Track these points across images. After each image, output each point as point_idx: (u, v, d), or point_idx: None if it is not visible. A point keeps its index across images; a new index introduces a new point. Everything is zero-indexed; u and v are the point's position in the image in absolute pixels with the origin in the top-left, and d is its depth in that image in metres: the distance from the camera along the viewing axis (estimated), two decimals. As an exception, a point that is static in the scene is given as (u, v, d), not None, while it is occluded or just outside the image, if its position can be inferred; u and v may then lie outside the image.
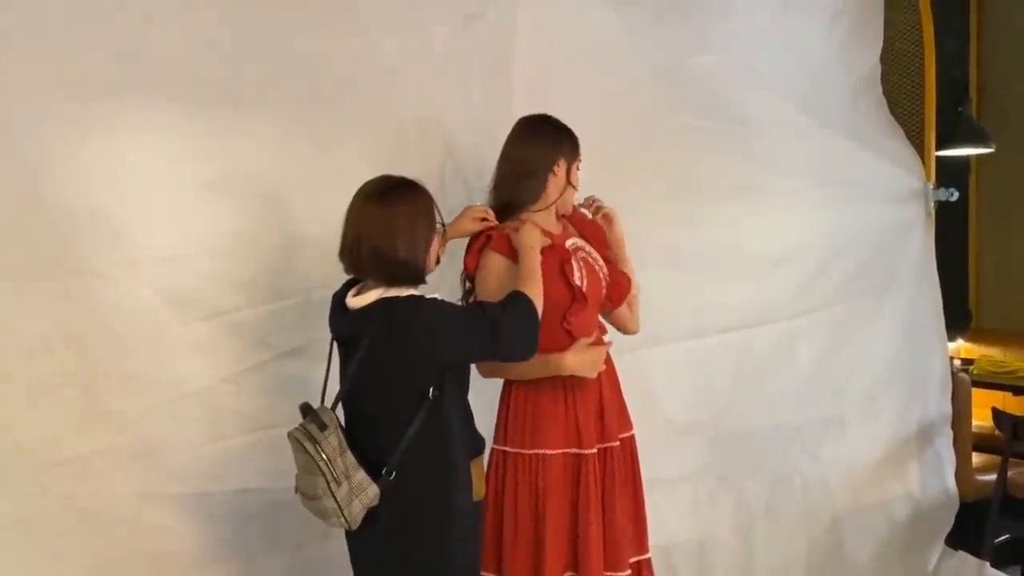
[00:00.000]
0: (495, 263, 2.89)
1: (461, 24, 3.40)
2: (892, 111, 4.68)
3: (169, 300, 2.86)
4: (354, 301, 2.56)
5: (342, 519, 2.46)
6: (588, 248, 3.04)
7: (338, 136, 3.09)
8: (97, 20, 2.78)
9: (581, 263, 2.95)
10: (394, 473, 2.49)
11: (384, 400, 2.53)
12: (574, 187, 2.99)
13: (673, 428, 3.80)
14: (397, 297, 2.53)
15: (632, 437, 3.05)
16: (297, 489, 2.54)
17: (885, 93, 4.69)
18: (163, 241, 2.86)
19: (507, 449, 2.92)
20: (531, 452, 2.88)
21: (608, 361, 2.99)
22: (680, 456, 3.82)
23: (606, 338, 3.03)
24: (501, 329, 2.56)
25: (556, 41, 3.56)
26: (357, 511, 2.47)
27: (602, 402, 2.95)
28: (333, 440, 2.46)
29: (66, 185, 2.73)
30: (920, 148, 4.75)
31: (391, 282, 2.54)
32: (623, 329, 3.18)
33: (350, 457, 2.46)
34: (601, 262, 3.04)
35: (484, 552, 2.89)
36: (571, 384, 2.90)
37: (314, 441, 2.45)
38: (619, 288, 3.06)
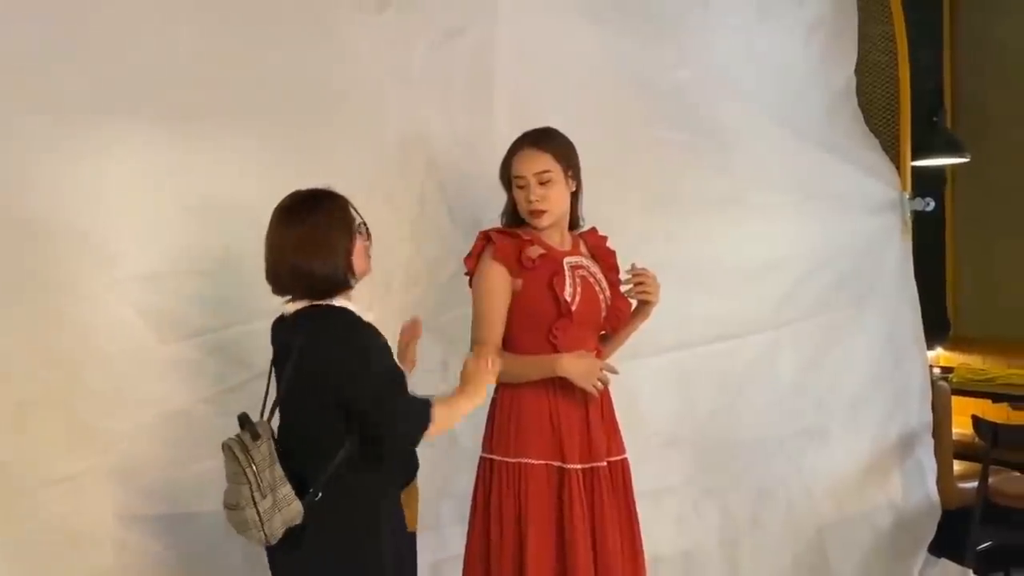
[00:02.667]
0: (492, 273, 2.89)
1: (442, 40, 3.41)
2: (868, 122, 4.71)
3: (151, 319, 2.86)
4: (287, 307, 2.54)
5: (261, 533, 2.37)
6: (593, 269, 3.03)
7: (319, 154, 3.09)
8: (77, 39, 2.79)
9: (578, 280, 2.94)
10: (320, 494, 2.41)
11: (314, 414, 2.45)
12: (519, 203, 2.95)
13: (658, 441, 3.80)
14: (325, 305, 2.49)
15: (624, 461, 3.03)
16: (224, 502, 2.45)
17: (861, 105, 4.73)
18: (144, 260, 2.86)
19: (493, 457, 2.93)
20: (514, 461, 2.89)
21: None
22: (665, 469, 3.82)
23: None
24: (398, 416, 2.47)
25: (536, 57, 3.57)
26: (277, 526, 2.38)
27: (588, 419, 2.94)
28: (264, 450, 2.39)
29: (47, 205, 2.73)
30: (896, 159, 4.78)
31: (316, 296, 2.50)
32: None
33: (279, 470, 2.39)
34: (604, 284, 3.04)
35: (473, 560, 2.91)
36: (555, 396, 2.90)
37: (245, 450, 2.39)
38: (619, 314, 3.06)
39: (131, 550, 2.83)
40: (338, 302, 2.50)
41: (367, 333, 2.47)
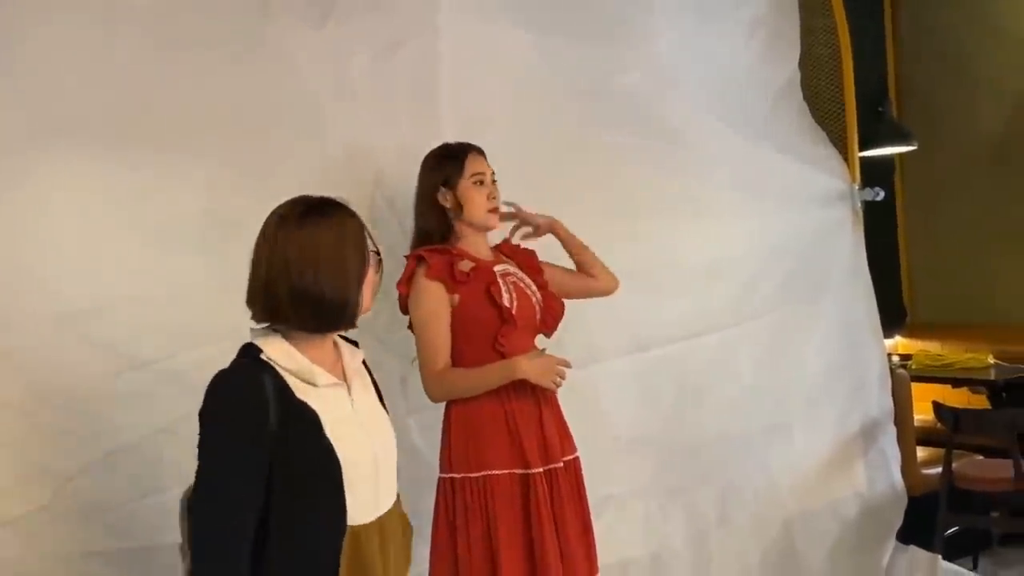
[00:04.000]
0: (430, 292, 2.88)
1: (383, 53, 3.39)
2: (814, 115, 4.74)
3: (98, 351, 2.81)
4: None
5: None
6: (520, 274, 3.06)
7: (262, 172, 3.06)
8: (10, 64, 2.74)
9: (511, 287, 2.97)
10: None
11: None
12: (468, 204, 2.98)
13: (620, 444, 3.79)
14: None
15: (576, 459, 3.05)
16: None
17: (806, 98, 4.75)
18: (89, 291, 2.81)
19: (454, 476, 2.91)
20: (478, 475, 2.88)
21: None
22: (629, 471, 3.81)
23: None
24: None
25: (480, 66, 3.56)
26: None
27: (542, 421, 2.95)
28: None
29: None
30: (844, 150, 4.81)
31: (316, 327, 2.10)
32: (606, 291, 3.22)
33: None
34: (534, 287, 3.06)
35: None
36: (509, 401, 2.90)
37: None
38: (553, 313, 3.09)
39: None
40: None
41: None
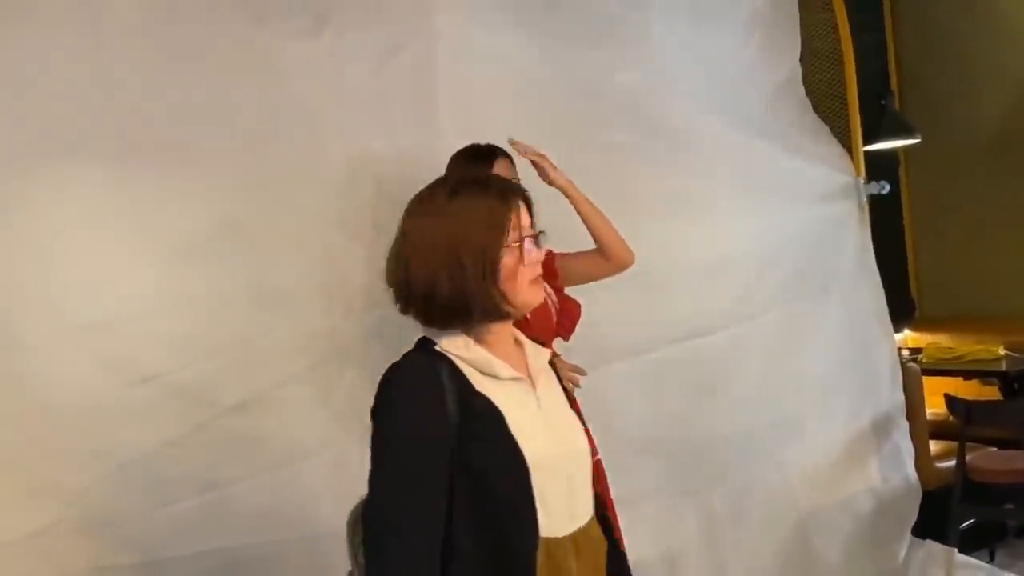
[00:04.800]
0: None
1: (380, 60, 3.38)
2: (816, 110, 4.73)
3: (104, 366, 2.80)
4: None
5: None
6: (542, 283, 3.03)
7: (264, 183, 3.06)
8: (4, 79, 2.72)
9: None
10: None
11: None
12: None
13: (631, 446, 3.77)
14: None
15: (598, 462, 3.03)
16: None
17: (808, 93, 4.74)
18: (93, 306, 2.80)
19: None
20: None
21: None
22: (640, 472, 3.79)
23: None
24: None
25: (478, 69, 3.55)
26: None
27: None
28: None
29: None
30: (847, 145, 4.80)
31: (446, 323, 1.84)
32: (619, 267, 3.12)
33: None
34: (549, 290, 3.03)
35: None
36: None
37: None
38: (570, 316, 3.06)
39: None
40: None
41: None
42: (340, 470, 3.12)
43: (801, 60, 4.66)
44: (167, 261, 2.91)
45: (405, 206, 3.27)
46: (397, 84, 3.38)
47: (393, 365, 1.82)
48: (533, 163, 3.05)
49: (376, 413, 1.79)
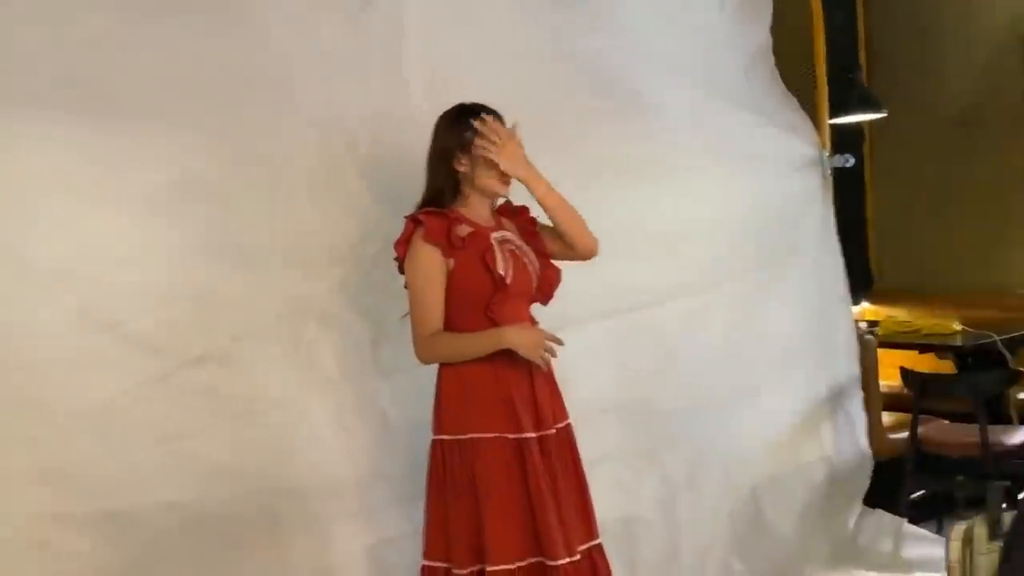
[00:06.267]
0: (426, 255, 2.87)
1: (353, 16, 3.35)
2: (785, 82, 4.74)
3: (66, 314, 2.77)
4: None
5: None
6: (519, 242, 3.04)
7: (234, 140, 3.03)
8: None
9: (508, 255, 2.95)
10: None
11: None
12: (487, 169, 2.94)
13: (593, 408, 3.78)
14: None
15: (569, 426, 3.06)
16: None
17: (777, 64, 4.75)
18: (55, 254, 2.76)
19: (444, 438, 2.92)
20: (466, 437, 2.88)
21: None
22: (601, 436, 3.81)
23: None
24: None
25: (450, 28, 3.53)
26: None
27: (534, 388, 2.95)
28: None
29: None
30: (814, 117, 4.82)
31: None
32: (588, 253, 3.12)
33: None
34: (532, 256, 3.05)
35: (432, 541, 2.91)
36: (503, 369, 2.90)
37: None
38: (549, 282, 3.08)
39: (58, 551, 2.73)
40: None
41: None
42: (300, 425, 3.12)
43: (772, 31, 4.66)
44: (132, 212, 2.87)
45: (376, 165, 3.28)
46: (368, 42, 3.34)
47: None
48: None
49: None
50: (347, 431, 3.20)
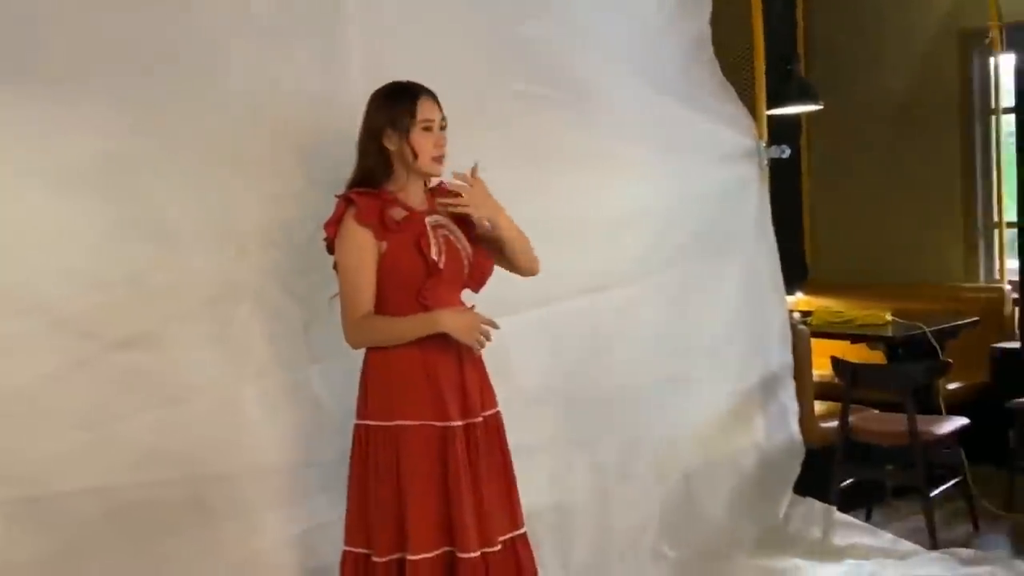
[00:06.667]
0: (358, 237, 2.84)
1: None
2: (724, 72, 4.75)
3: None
4: None
5: None
6: (452, 227, 3.01)
7: (158, 115, 2.95)
8: None
9: (441, 240, 2.92)
10: None
11: None
12: (415, 151, 2.90)
13: (526, 396, 3.78)
14: None
15: (497, 414, 3.05)
16: None
17: (717, 55, 4.76)
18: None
19: (368, 423, 2.89)
20: (390, 424, 2.86)
21: None
22: (534, 422, 3.81)
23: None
24: None
25: (387, 9, 3.48)
26: None
27: (463, 375, 2.93)
28: None
29: None
30: (752, 107, 4.84)
31: None
32: (530, 273, 3.15)
33: None
34: (465, 242, 3.01)
35: (353, 527, 2.88)
36: (430, 353, 2.88)
37: None
38: (481, 270, 3.04)
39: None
40: None
41: None
42: (230, 409, 3.08)
43: (712, 21, 4.67)
44: (55, 191, 2.79)
45: (306, 143, 3.22)
46: (302, 17, 3.27)
47: None
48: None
49: None
50: (278, 416, 3.16)
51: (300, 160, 3.24)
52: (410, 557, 2.80)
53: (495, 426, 3.03)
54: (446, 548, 2.84)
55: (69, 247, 2.82)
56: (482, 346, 2.94)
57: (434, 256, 2.87)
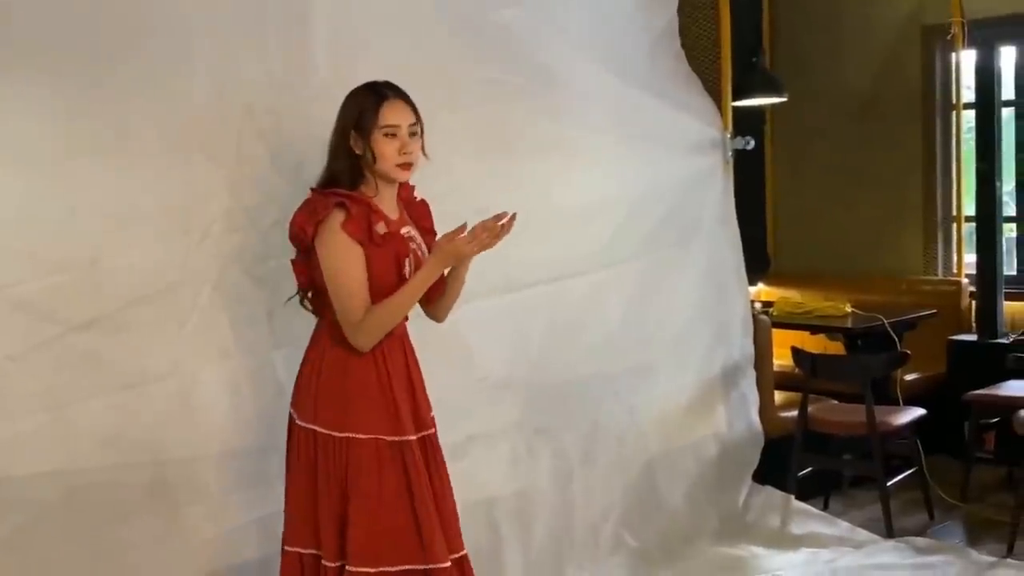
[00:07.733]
0: (353, 249, 2.79)
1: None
2: (690, 63, 4.77)
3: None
4: None
5: None
6: (419, 240, 2.99)
7: (122, 101, 2.92)
8: None
9: (412, 255, 2.91)
10: None
11: None
12: (375, 155, 2.85)
13: (489, 383, 3.80)
14: None
15: (436, 432, 3.01)
16: None
17: (684, 46, 4.77)
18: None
19: (316, 429, 2.84)
20: (341, 436, 2.82)
21: (410, 344, 2.98)
22: (497, 411, 3.83)
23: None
24: None
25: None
26: None
27: (412, 385, 2.92)
28: None
29: None
30: (717, 99, 4.87)
31: None
32: (435, 316, 3.13)
33: None
34: (427, 252, 2.98)
35: (298, 526, 2.87)
36: (386, 365, 2.85)
37: None
38: (439, 282, 2.98)
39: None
40: None
41: None
42: (191, 394, 3.06)
43: (679, 12, 4.69)
44: (15, 172, 2.76)
45: (273, 133, 3.20)
46: (268, 4, 3.26)
47: None
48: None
49: None
50: (240, 401, 3.15)
51: (264, 146, 3.22)
52: (350, 568, 2.77)
53: (436, 439, 3.00)
54: (406, 566, 2.81)
55: (29, 229, 2.78)
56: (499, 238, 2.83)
57: (407, 275, 2.88)
